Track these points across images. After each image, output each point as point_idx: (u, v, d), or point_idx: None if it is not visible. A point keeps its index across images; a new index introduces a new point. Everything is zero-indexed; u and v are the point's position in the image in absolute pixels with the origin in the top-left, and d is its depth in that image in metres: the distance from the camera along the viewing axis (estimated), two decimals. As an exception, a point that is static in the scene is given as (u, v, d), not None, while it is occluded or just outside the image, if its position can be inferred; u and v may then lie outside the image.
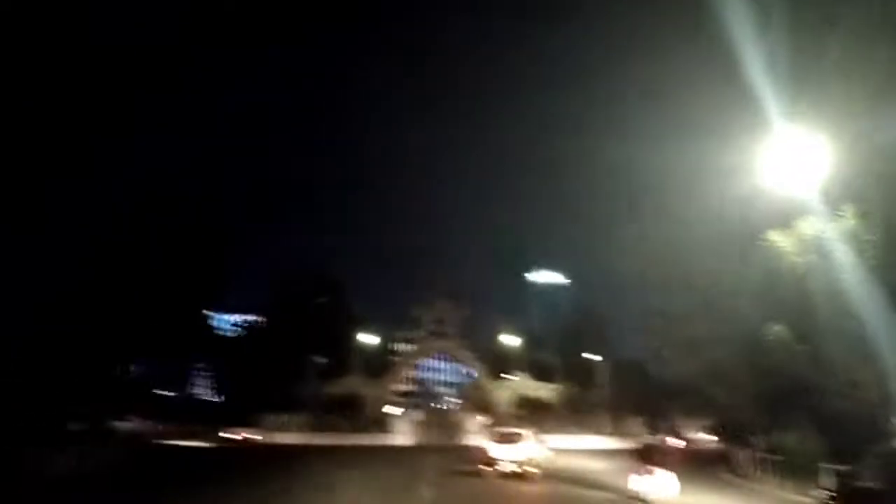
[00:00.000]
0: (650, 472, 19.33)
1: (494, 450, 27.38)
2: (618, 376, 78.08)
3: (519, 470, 26.49)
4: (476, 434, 52.63)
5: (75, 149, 29.95)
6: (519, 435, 28.43)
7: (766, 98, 20.75)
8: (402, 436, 52.83)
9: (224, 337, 70.22)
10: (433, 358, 72.16)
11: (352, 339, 71.48)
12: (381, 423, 56.55)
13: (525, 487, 24.36)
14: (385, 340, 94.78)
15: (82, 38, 28.59)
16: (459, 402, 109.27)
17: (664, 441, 22.76)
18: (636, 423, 56.69)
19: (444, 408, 69.35)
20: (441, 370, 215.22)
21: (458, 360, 68.48)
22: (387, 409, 70.34)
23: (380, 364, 70.09)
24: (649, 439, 22.96)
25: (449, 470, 29.34)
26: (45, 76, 27.20)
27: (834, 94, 20.09)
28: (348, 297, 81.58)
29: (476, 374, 66.37)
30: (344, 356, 68.50)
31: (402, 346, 79.39)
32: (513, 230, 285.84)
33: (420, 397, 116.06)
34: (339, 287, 79.22)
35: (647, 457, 19.90)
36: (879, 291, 20.44)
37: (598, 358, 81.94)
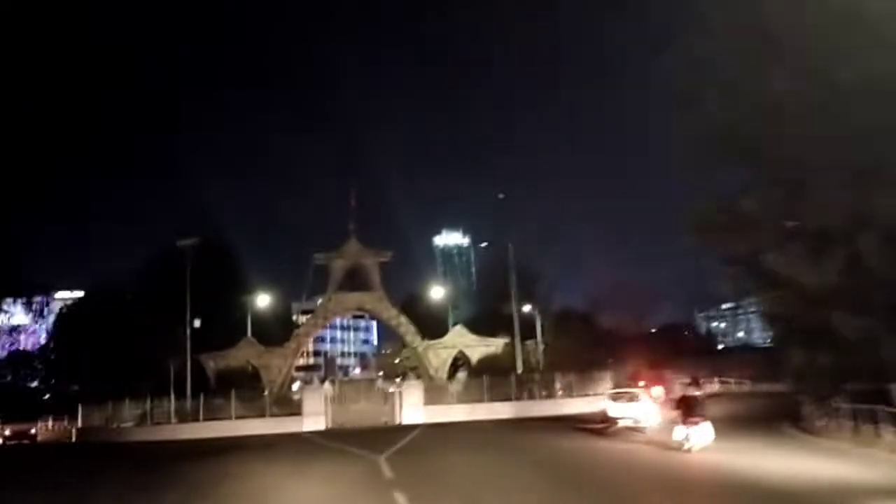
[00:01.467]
0: (694, 423, 20.79)
1: (613, 408, 28.83)
2: (562, 328, 66.95)
3: (637, 426, 27.15)
4: (415, 406, 39.01)
5: None
6: (636, 394, 29.17)
7: None
8: (314, 417, 38.38)
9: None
10: (347, 317, 57.20)
11: (242, 305, 56.55)
12: (286, 403, 41.69)
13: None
14: (286, 310, 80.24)
15: None
16: (379, 371, 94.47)
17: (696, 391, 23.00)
18: (605, 379, 44.43)
19: (367, 378, 55.54)
20: (343, 341, 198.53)
21: (379, 318, 53.97)
22: (295, 386, 56.37)
23: (280, 334, 55.55)
24: (688, 391, 22.98)
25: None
26: None
27: None
28: (240, 265, 66.49)
29: (407, 334, 52.19)
30: (233, 327, 53.53)
31: (305, 318, 65.95)
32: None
33: (324, 370, 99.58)
34: (225, 252, 63.74)
35: (688, 408, 21.31)
36: None
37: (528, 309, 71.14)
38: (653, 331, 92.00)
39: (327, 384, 49.35)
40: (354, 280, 53.60)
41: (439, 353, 51.06)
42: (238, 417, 38.93)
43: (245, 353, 49.59)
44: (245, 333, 51.10)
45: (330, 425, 38.54)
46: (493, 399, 40.15)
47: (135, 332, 48.72)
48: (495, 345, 51.26)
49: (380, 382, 56.82)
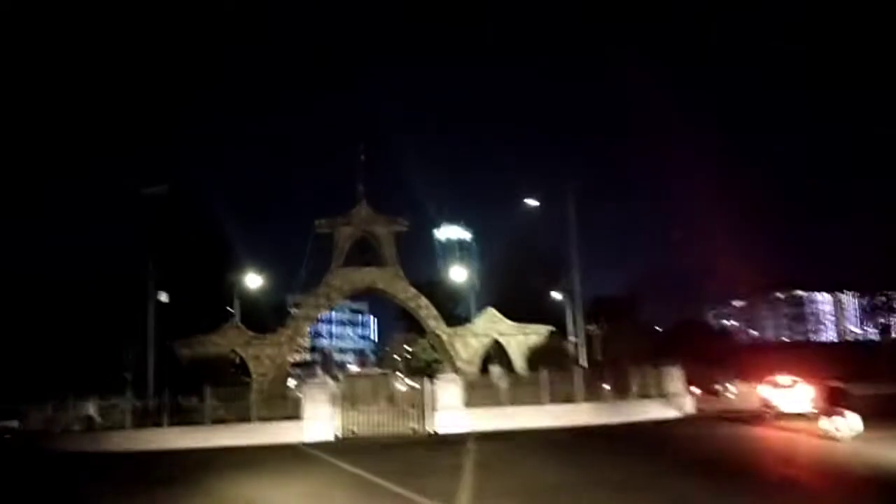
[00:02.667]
0: (840, 414, 21.39)
1: (774, 397, 29.71)
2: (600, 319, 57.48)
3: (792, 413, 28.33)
4: (450, 409, 28.89)
5: None
6: (796, 381, 29.75)
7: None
8: (317, 423, 28.18)
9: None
10: (353, 300, 46.77)
11: (228, 287, 46.57)
12: (280, 404, 31.27)
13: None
14: (279, 301, 70.09)
15: None
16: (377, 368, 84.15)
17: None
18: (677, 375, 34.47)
19: (380, 372, 45.49)
20: (340, 336, 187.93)
21: (395, 299, 43.59)
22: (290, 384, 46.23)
23: (273, 325, 45.59)
24: (833, 383, 23.51)
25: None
26: None
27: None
28: (228, 238, 56.32)
29: (428, 318, 41.79)
30: (215, 312, 43.50)
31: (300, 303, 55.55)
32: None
33: (321, 367, 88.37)
34: (207, 219, 53.65)
35: (834, 399, 22.23)
36: None
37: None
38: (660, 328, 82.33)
39: (331, 381, 39.29)
40: (364, 254, 43.48)
41: (469, 343, 40.83)
42: (216, 422, 28.68)
43: (230, 341, 39.20)
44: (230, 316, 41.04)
45: (339, 434, 28.38)
46: (553, 400, 30.06)
47: (86, 315, 38.34)
48: (537, 333, 41.05)
49: (395, 379, 46.35)
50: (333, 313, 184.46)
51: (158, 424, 29.05)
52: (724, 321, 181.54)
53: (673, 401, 33.68)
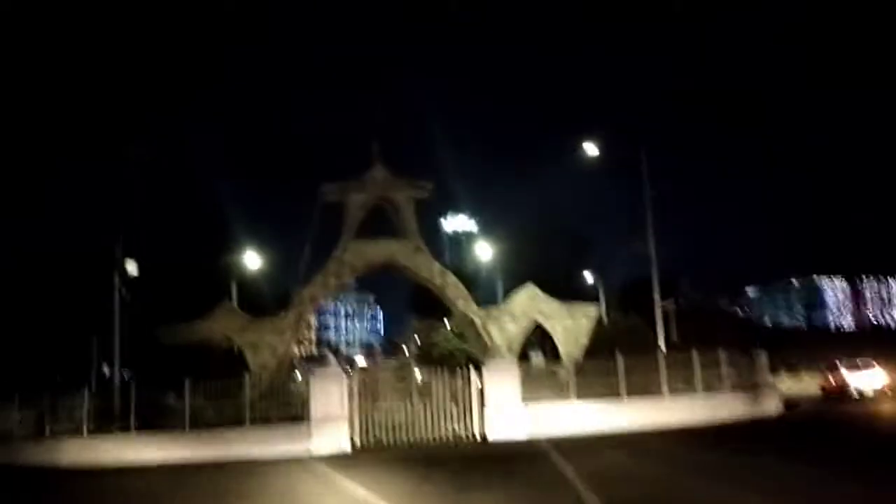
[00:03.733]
0: None
1: (850, 377, 32.85)
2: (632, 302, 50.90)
3: (872, 394, 31.52)
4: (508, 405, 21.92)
5: None
6: (872, 363, 33.56)
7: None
8: (328, 426, 21.21)
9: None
10: (371, 274, 39.58)
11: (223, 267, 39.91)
12: (283, 402, 24.12)
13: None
14: (283, 291, 63.03)
15: None
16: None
17: None
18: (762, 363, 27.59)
19: (400, 363, 38.46)
20: (347, 330, 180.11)
21: (417, 277, 36.49)
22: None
23: (274, 308, 38.78)
24: None
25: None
26: None
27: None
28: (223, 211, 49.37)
29: (458, 299, 34.63)
30: (208, 296, 36.59)
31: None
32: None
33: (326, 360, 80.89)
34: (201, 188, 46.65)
35: None
36: None
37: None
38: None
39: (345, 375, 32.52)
40: (380, 225, 36.56)
41: (505, 327, 33.71)
42: (199, 426, 21.72)
43: (223, 326, 32.19)
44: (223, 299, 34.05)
45: (359, 440, 21.47)
46: (632, 393, 23.06)
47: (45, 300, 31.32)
48: (586, 315, 33.94)
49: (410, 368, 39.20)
50: (339, 305, 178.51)
51: (126, 429, 22.12)
52: (738, 308, 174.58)
53: (767, 392, 26.83)
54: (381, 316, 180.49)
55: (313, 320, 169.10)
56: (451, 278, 35.19)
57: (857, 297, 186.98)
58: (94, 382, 28.47)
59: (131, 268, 26.88)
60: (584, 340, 32.77)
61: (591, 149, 32.42)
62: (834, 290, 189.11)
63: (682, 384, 24.21)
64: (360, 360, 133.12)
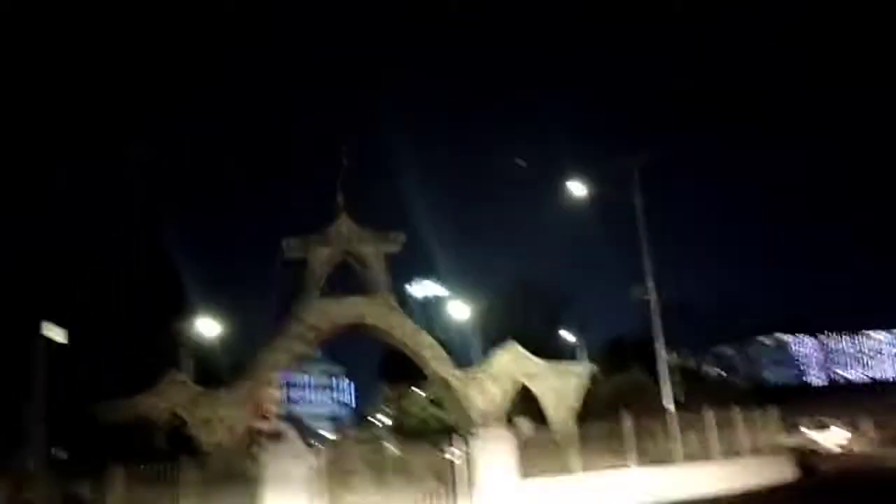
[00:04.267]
0: None
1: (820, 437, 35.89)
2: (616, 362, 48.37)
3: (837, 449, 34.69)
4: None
5: None
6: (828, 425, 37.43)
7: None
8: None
9: None
10: (337, 337, 35.80)
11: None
12: (234, 487, 20.16)
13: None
14: (247, 354, 58.58)
15: None
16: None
17: None
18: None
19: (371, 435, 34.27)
20: (313, 402, 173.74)
21: (389, 337, 33.06)
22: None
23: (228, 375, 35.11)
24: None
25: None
26: None
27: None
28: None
29: (433, 360, 31.12)
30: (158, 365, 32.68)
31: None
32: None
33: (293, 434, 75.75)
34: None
35: None
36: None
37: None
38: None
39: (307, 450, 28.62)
40: (346, 282, 33.35)
41: (488, 390, 30.39)
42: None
43: (170, 400, 28.32)
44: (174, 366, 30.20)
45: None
46: (642, 460, 19.78)
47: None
48: (575, 373, 30.76)
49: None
50: (306, 377, 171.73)
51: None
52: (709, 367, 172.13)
53: (782, 454, 23.76)
54: (350, 387, 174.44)
55: (278, 393, 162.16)
56: (427, 338, 31.95)
57: (826, 353, 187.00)
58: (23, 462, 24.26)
59: (57, 335, 23.06)
60: (574, 402, 29.56)
61: (577, 188, 29.81)
62: (802, 346, 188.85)
63: (697, 449, 21.00)
64: (329, 434, 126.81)
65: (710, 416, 21.34)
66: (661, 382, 26.33)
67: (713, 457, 20.67)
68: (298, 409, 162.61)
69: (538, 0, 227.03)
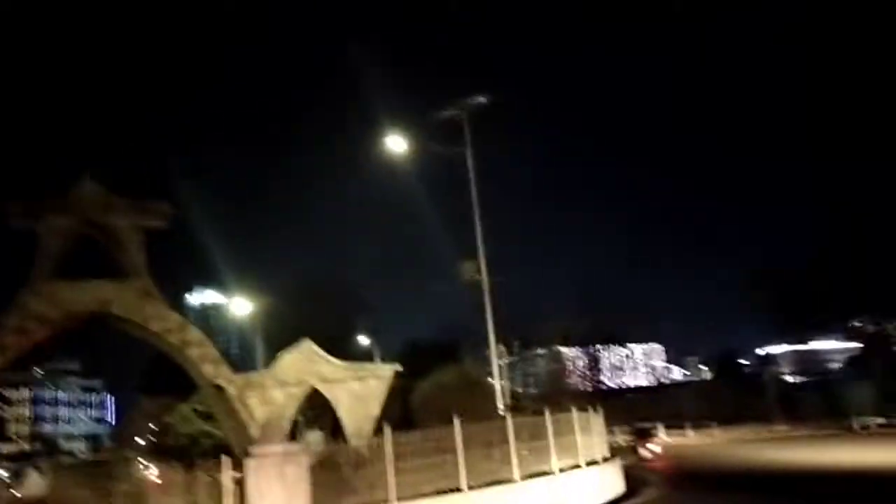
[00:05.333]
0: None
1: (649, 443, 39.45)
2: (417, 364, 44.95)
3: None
4: None
5: None
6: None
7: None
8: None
9: None
10: (74, 329, 27.68)
11: None
12: None
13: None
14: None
15: None
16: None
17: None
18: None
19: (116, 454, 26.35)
20: (69, 420, 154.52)
21: (144, 332, 25.84)
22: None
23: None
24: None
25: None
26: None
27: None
28: None
29: (203, 362, 24.52)
30: None
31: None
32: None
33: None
34: None
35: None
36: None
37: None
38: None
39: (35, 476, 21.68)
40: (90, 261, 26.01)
41: (271, 397, 24.52)
42: None
43: None
44: None
45: None
46: (477, 479, 15.26)
47: None
48: (376, 375, 25.85)
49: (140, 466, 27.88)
50: (60, 393, 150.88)
51: None
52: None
53: (616, 461, 20.65)
54: (111, 402, 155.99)
55: (26, 411, 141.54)
56: (195, 334, 25.35)
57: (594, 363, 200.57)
58: None
59: None
60: (375, 410, 24.66)
61: (396, 144, 24.77)
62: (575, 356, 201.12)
63: (536, 461, 16.94)
64: (84, 455, 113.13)
65: (548, 419, 17.46)
66: (495, 378, 22.25)
67: (554, 470, 16.81)
68: (50, 429, 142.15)
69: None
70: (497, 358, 23.32)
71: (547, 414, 17.58)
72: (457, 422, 15.63)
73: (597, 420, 21.05)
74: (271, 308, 44.68)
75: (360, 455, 17.15)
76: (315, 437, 25.04)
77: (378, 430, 21.09)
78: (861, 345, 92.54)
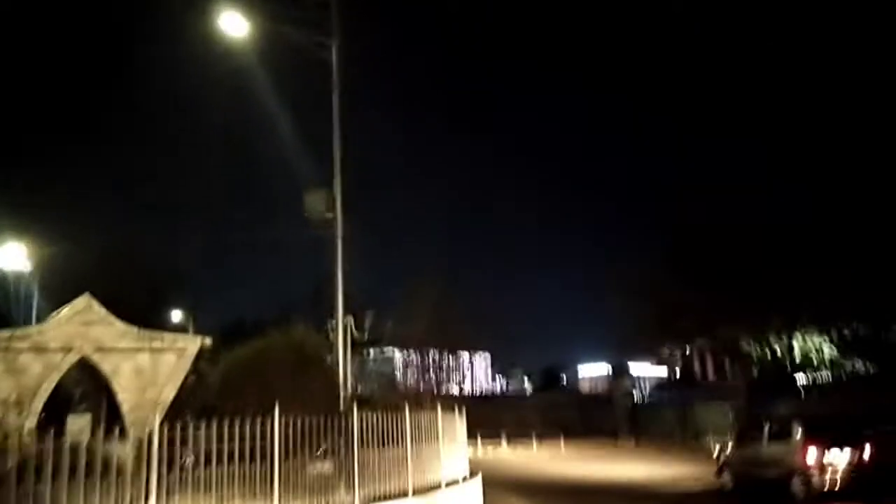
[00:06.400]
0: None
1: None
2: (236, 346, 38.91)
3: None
4: None
5: None
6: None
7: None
8: None
9: None
10: None
11: None
12: None
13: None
14: None
15: None
16: None
17: None
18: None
19: None
20: None
21: None
22: None
23: None
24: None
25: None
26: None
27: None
28: None
29: None
30: None
31: None
32: None
33: None
34: None
35: None
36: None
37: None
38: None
39: None
40: None
41: (24, 367, 18.18)
42: None
43: None
44: None
45: None
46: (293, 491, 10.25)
47: None
48: (179, 350, 20.05)
49: None
50: None
51: None
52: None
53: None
54: None
55: None
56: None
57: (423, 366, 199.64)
58: None
59: None
60: (169, 394, 19.06)
61: (234, 25, 18.67)
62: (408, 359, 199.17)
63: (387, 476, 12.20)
64: None
65: (406, 417, 12.72)
66: (337, 350, 17.02)
67: (409, 491, 12.08)
68: None
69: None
70: (345, 332, 18.15)
71: (408, 413, 12.88)
72: (277, 412, 10.54)
73: (461, 425, 16.62)
74: (60, 261, 36.79)
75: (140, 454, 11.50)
76: (80, 423, 18.78)
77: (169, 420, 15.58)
78: (667, 369, 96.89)
